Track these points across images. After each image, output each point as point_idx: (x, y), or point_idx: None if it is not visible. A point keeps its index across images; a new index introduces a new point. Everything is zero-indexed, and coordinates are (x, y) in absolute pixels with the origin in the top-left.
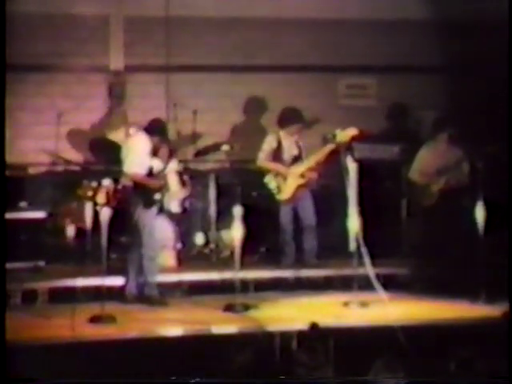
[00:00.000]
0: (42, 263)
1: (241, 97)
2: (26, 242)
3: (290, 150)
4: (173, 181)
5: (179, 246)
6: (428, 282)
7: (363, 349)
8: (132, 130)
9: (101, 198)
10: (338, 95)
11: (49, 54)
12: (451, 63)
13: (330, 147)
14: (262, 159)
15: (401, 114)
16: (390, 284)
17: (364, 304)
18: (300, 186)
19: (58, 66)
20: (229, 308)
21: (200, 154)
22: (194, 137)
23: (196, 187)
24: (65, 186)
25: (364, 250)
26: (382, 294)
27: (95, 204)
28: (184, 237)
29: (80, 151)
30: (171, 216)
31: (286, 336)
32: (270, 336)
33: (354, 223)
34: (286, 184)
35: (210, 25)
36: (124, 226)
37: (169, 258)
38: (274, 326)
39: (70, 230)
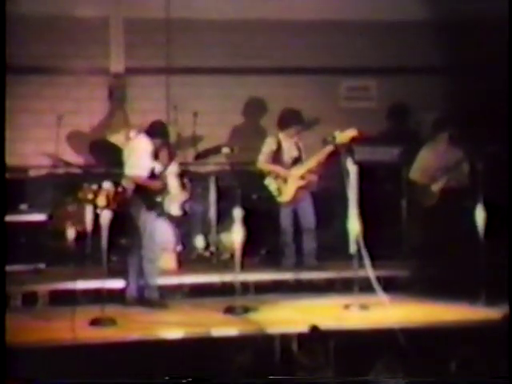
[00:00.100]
0: (42, 265)
1: (241, 99)
2: (26, 245)
3: (289, 151)
4: (173, 183)
5: (179, 248)
6: (428, 284)
7: (363, 351)
8: (132, 133)
9: (101, 200)
10: (338, 97)
11: (49, 56)
12: (451, 64)
13: (329, 148)
14: (262, 161)
15: (401, 115)
16: (391, 286)
17: (364, 306)
18: (300, 188)
19: (59, 69)
20: (229, 310)
21: (200, 156)
22: (194, 139)
23: (196, 190)
24: (65, 188)
25: (364, 252)
26: (382, 296)
27: (95, 206)
28: (184, 239)
29: (80, 154)
30: (171, 219)
31: (286, 338)
32: (270, 338)
33: (354, 225)
34: (286, 186)
35: (210, 27)
36: (124, 228)
37: (169, 261)
38: (274, 329)
39: (71, 233)
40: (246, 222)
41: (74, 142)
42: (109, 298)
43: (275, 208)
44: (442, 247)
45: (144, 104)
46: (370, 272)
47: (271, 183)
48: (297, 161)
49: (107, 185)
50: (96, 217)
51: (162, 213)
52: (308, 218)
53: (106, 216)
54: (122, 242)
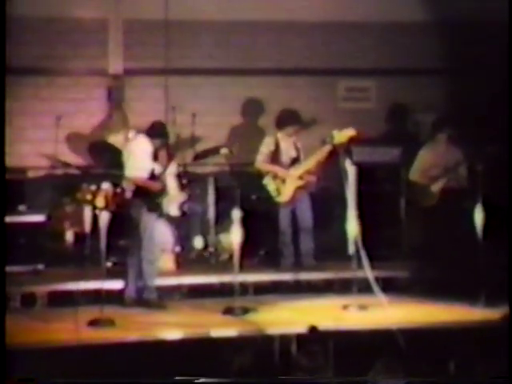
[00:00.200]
0: (41, 267)
1: (239, 100)
2: (25, 246)
3: (288, 151)
4: (172, 184)
5: (178, 249)
6: (427, 285)
7: (362, 352)
8: (131, 134)
9: (100, 201)
10: (337, 98)
11: (48, 57)
12: (451, 64)
13: (327, 148)
14: (260, 161)
15: (400, 116)
16: (389, 287)
17: (363, 307)
18: (299, 188)
19: (57, 70)
20: (228, 311)
21: (199, 157)
22: (193, 140)
23: (195, 190)
24: (64, 189)
25: (363, 252)
26: (381, 297)
27: (94, 207)
28: (183, 240)
29: (79, 155)
30: (170, 219)
31: (285, 339)
32: (269, 339)
33: (352, 226)
34: (285, 186)
35: (208, 28)
36: (123, 229)
37: (168, 262)
38: (273, 329)
39: (69, 234)
40: (245, 222)
41: (72, 142)
42: (108, 298)
43: (274, 209)
44: (442, 248)
45: (142, 105)
46: (368, 273)
47: (269, 183)
48: (295, 161)
49: (106, 186)
50: (95, 218)
51: (161, 214)
52: (306, 218)
53: (104, 217)
54: (121, 243)
